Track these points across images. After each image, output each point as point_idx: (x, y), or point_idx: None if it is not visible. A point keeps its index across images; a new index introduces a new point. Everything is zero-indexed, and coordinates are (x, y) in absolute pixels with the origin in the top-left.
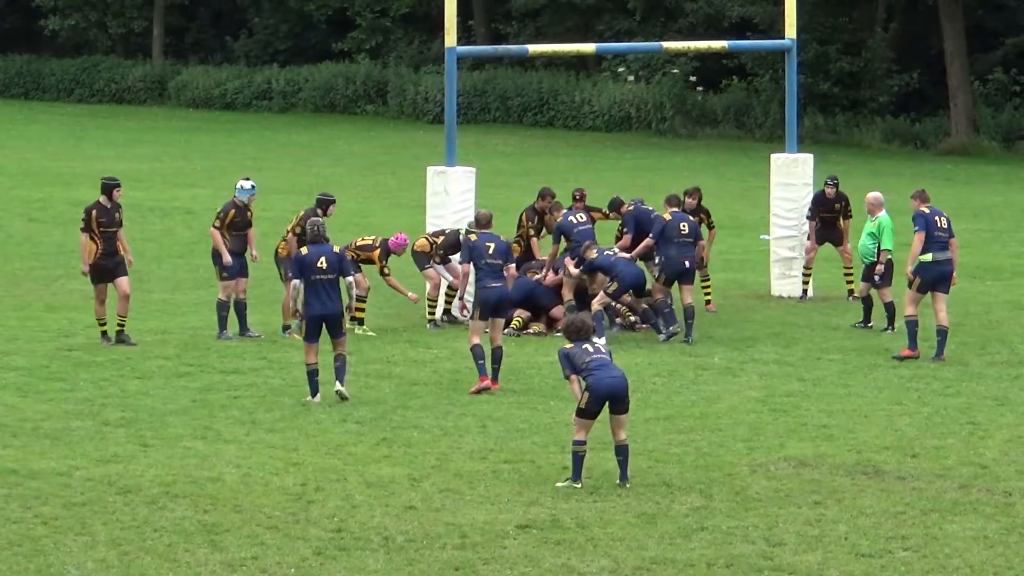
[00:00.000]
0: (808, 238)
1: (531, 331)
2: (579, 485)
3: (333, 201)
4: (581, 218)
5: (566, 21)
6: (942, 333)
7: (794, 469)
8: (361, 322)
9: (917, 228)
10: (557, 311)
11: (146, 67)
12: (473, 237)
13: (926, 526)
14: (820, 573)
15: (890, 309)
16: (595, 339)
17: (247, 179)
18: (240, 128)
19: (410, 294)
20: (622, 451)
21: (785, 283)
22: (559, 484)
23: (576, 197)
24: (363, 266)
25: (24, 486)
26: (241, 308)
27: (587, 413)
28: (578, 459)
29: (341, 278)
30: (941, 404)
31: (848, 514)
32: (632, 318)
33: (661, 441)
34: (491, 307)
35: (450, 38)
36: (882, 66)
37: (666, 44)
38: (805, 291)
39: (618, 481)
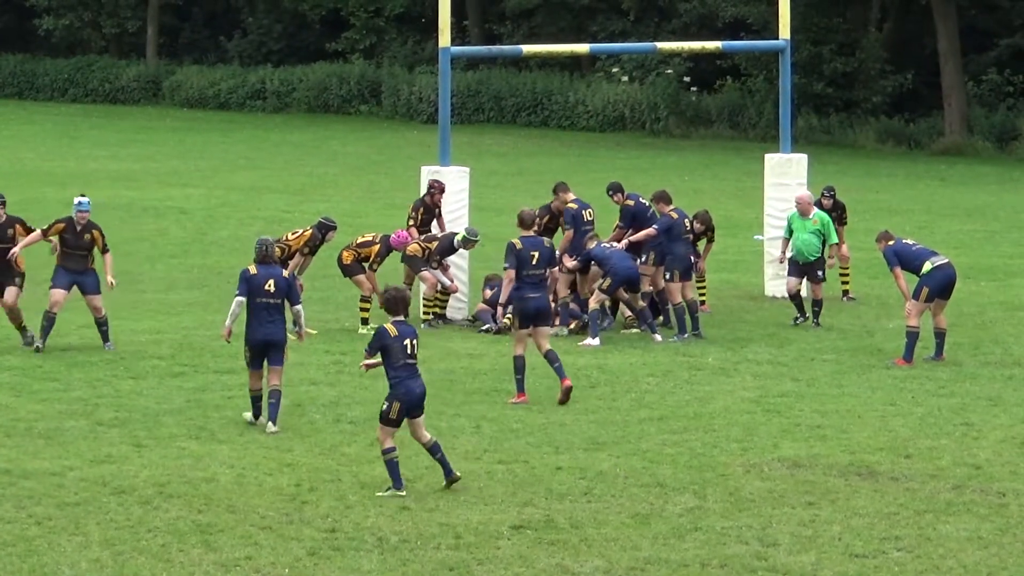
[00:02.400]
0: None
1: None
2: (403, 492)
3: (335, 227)
4: (589, 216)
5: (560, 21)
6: (940, 335)
7: (788, 470)
8: (365, 322)
9: (892, 265)
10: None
11: (140, 67)
12: (518, 244)
13: (920, 527)
14: (814, 574)
15: (819, 305)
16: (589, 340)
17: (82, 195)
18: (234, 128)
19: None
20: (436, 449)
21: (779, 283)
22: (380, 493)
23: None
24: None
25: (18, 486)
26: (101, 324)
27: (395, 423)
28: (393, 465)
29: (288, 304)
30: (935, 405)
31: (842, 515)
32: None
33: (655, 441)
34: (530, 318)
35: (444, 38)
36: (876, 66)
37: (660, 44)
38: (798, 291)
39: (445, 478)
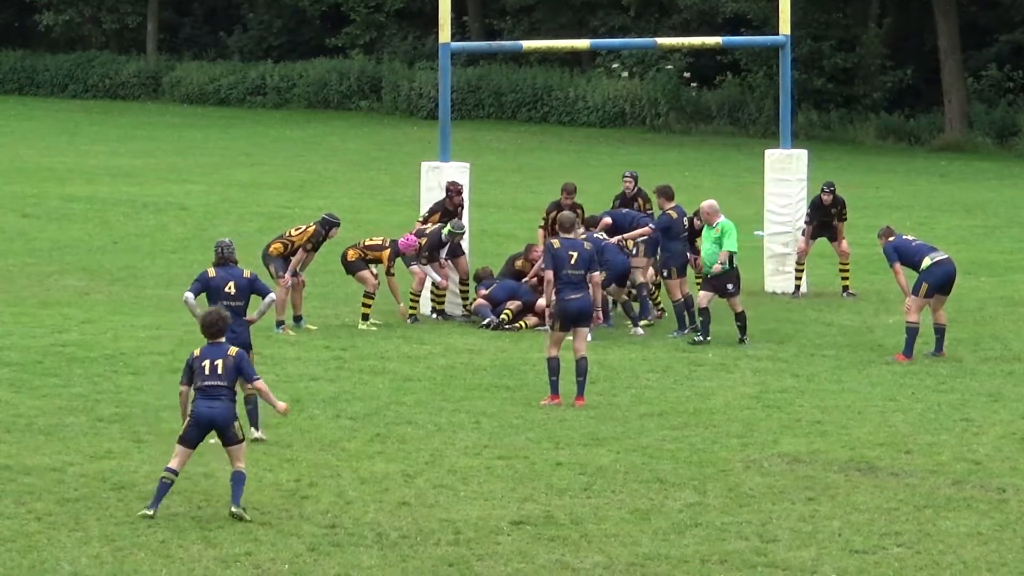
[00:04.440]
0: (802, 233)
1: (516, 326)
2: (151, 512)
3: (338, 224)
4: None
5: (560, 17)
6: (940, 331)
7: (788, 465)
8: (366, 317)
9: (891, 261)
10: (540, 304)
11: (140, 63)
12: (556, 244)
13: (920, 522)
14: (814, 569)
15: (742, 319)
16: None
17: None
18: (234, 124)
19: (400, 305)
20: (238, 478)
21: (779, 279)
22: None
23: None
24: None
25: (18, 482)
26: None
27: (187, 441)
28: (162, 487)
29: (260, 297)
30: (935, 400)
31: (842, 510)
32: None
33: (655, 437)
34: (571, 319)
35: (444, 34)
36: (876, 62)
37: (660, 40)
38: (798, 287)
39: (233, 508)
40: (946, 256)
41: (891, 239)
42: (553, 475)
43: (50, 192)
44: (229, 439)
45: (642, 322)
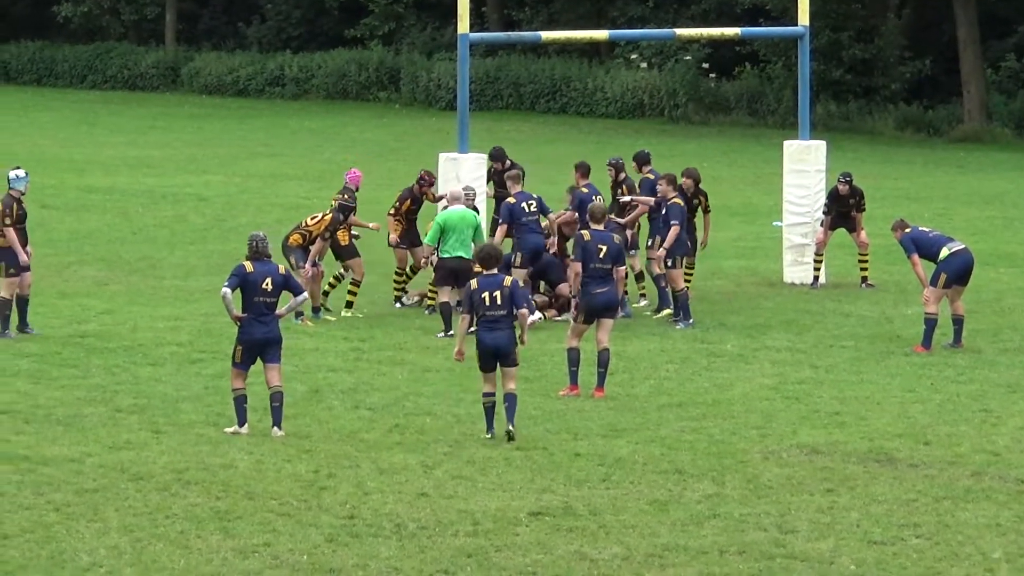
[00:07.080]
0: (821, 224)
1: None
2: (492, 436)
3: (354, 209)
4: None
5: (579, 7)
6: (958, 322)
7: (806, 456)
8: (350, 305)
9: (909, 253)
10: (563, 288)
11: (159, 53)
12: (587, 236)
13: (938, 513)
14: (832, 560)
15: (445, 310)
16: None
17: (19, 168)
18: (252, 114)
19: (371, 224)
20: (510, 399)
21: (797, 270)
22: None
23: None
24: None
25: (36, 472)
26: (23, 304)
27: (484, 369)
28: (489, 412)
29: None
30: (953, 391)
31: (860, 501)
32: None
33: (673, 428)
34: (597, 313)
35: (463, 24)
36: (895, 53)
37: (679, 31)
38: (816, 278)
39: (508, 427)
40: (964, 246)
41: (907, 231)
42: (572, 466)
43: (69, 183)
44: (509, 363)
45: (665, 312)
